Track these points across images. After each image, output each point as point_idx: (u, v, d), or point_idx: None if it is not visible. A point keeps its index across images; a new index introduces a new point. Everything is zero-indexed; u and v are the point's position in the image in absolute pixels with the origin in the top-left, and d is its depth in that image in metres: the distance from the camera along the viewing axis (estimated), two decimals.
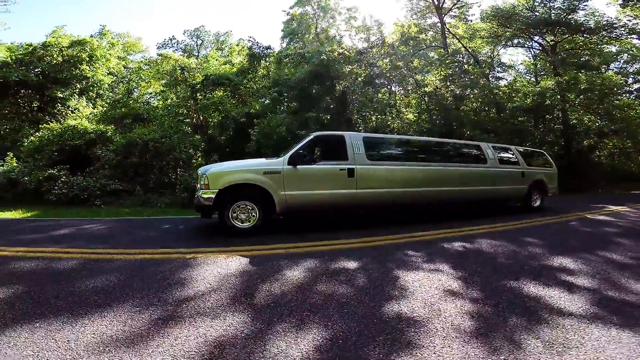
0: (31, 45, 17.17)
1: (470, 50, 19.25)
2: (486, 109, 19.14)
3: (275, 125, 10.28)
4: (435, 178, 6.33)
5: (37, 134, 13.40)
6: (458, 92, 17.92)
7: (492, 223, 6.01)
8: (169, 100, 17.41)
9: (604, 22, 14.90)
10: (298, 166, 5.18)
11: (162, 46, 25.61)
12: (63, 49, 17.39)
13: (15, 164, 13.00)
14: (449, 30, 18.63)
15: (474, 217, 6.79)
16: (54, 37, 20.19)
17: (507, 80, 20.65)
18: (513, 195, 7.70)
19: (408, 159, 6.27)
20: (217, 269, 3.40)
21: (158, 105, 16.22)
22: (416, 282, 3.03)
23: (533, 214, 7.37)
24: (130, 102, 16.36)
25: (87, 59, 17.68)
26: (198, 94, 15.40)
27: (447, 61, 15.34)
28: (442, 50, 16.95)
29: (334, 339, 2.08)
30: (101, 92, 18.81)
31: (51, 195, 10.93)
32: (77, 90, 17.78)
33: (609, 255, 4.00)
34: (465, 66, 18.64)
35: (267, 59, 13.42)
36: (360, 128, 11.11)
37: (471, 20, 17.77)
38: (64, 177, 11.45)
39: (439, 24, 17.05)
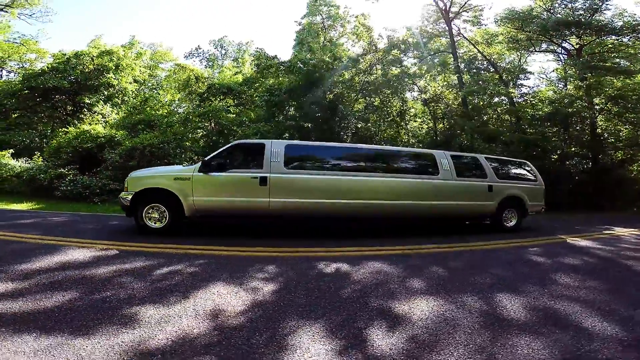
0: (65, 54, 19.05)
1: (487, 56, 18.24)
2: (504, 118, 18.01)
3: (250, 133, 10.45)
4: (365, 190, 5.82)
5: (57, 137, 14.85)
6: (475, 101, 17.12)
7: (426, 244, 5.36)
8: (183, 109, 18.30)
9: (634, 22, 13.36)
10: (210, 173, 5.39)
11: (189, 56, 27.14)
12: (94, 58, 19.09)
13: (40, 163, 14.61)
14: (463, 36, 17.81)
15: (416, 234, 6.28)
16: (93, 46, 22.29)
17: (529, 88, 19.30)
18: (475, 212, 6.75)
19: (337, 168, 5.91)
20: (68, 257, 3.99)
21: (171, 112, 17.13)
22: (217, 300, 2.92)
23: (499, 235, 6.45)
24: (147, 109, 17.40)
25: (114, 67, 19.23)
26: (206, 102, 16.06)
27: (451, 66, 14.59)
28: (450, 55, 16.20)
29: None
30: (126, 98, 20.30)
31: (57, 191, 12.08)
32: (104, 97, 19.40)
33: (505, 302, 3.03)
34: (484, 73, 17.73)
35: (270, 69, 13.68)
36: (345, 137, 10.93)
37: (485, 25, 16.81)
38: (71, 175, 12.57)
39: (449, 30, 16.33)
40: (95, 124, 16.75)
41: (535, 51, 17.93)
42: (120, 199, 5.57)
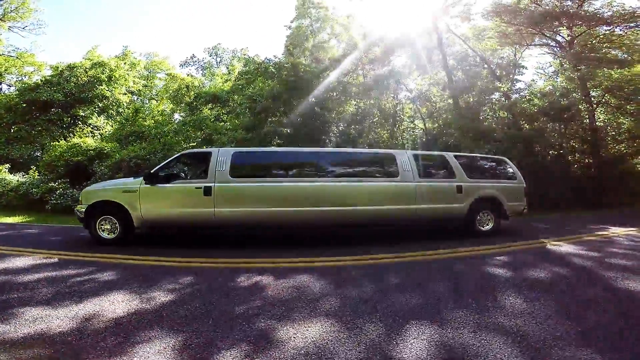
0: (58, 67, 19.34)
1: (479, 52, 17.89)
2: (501, 115, 17.62)
3: (225, 141, 10.42)
4: (317, 196, 5.55)
5: (50, 151, 15.07)
6: (468, 98, 16.78)
7: (382, 252, 4.99)
8: (179, 119, 18.38)
9: (623, 12, 12.89)
10: (157, 185, 5.49)
11: (184, 64, 27.33)
12: (87, 70, 19.33)
13: (36, 177, 14.91)
14: (453, 32, 17.50)
15: (379, 241, 5.92)
16: (88, 57, 22.63)
17: (524, 83, 18.83)
18: (443, 216, 6.24)
19: (288, 174, 5.73)
20: (5, 264, 4.37)
21: (163, 122, 17.22)
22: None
23: (472, 241, 5.91)
24: (139, 120, 17.53)
25: (106, 79, 19.44)
26: (195, 112, 16.10)
27: (439, 64, 14.29)
28: (439, 52, 15.91)
29: None
30: (120, 110, 20.52)
31: (48, 205, 12.27)
32: (99, 109, 19.63)
33: (403, 335, 2.54)
34: (473, 68, 17.40)
35: (247, 75, 13.61)
36: (328, 142, 10.79)
37: (473, 19, 16.47)
38: (61, 189, 12.73)
39: (437, 25, 16.04)
40: (88, 136, 16.97)
41: (528, 45, 17.49)
42: (76, 212, 5.86)
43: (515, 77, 18.57)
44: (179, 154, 6.14)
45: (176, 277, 3.94)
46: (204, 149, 6.50)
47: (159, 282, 3.73)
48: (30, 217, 11.56)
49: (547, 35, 15.93)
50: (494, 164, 7.18)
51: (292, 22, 19.31)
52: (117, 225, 5.54)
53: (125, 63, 21.73)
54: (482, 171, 6.88)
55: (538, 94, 15.26)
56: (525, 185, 6.91)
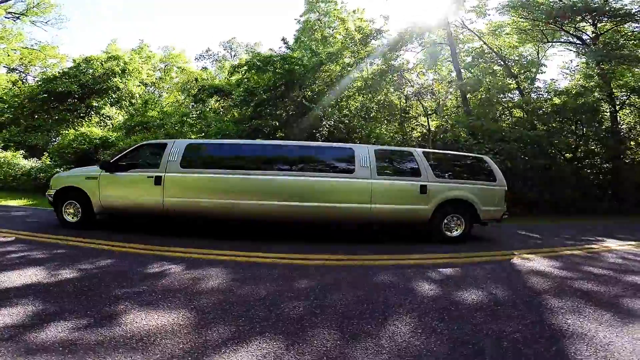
0: (76, 60, 20.14)
1: (496, 50, 17.09)
2: (516, 114, 16.74)
3: (211, 133, 10.37)
4: (267, 190, 5.41)
5: (59, 138, 15.72)
6: (481, 95, 16.07)
7: (314, 252, 4.66)
8: (182, 109, 18.64)
9: None
10: (116, 173, 5.71)
11: (199, 58, 27.73)
12: (103, 62, 20.01)
13: (47, 162, 15.64)
14: (467, 27, 16.76)
15: (333, 240, 5.66)
16: (107, 50, 23.45)
17: (544, 81, 17.80)
18: (402, 218, 5.70)
19: (241, 167, 5.65)
20: None
21: (169, 113, 17.51)
22: None
23: (435, 247, 5.33)
24: (148, 111, 17.96)
25: (120, 72, 20.05)
26: (197, 104, 16.28)
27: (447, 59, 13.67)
28: (448, 48, 15.27)
29: None
30: (133, 101, 21.09)
31: None
32: (113, 100, 20.29)
33: None
34: (486, 64, 16.63)
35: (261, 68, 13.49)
36: (319, 137, 10.53)
37: (489, 14, 15.67)
38: None
39: (450, 21, 15.39)
40: (97, 126, 17.54)
41: (548, 42, 16.50)
42: (47, 196, 6.23)
43: (535, 75, 17.69)
44: (139, 144, 6.36)
45: (97, 259, 4.14)
46: (161, 140, 6.61)
47: (77, 262, 3.96)
48: (35, 200, 12.01)
49: (567, 31, 14.92)
50: (471, 163, 6.52)
51: (301, 16, 19.15)
52: (80, 209, 5.83)
53: (140, 56, 22.32)
54: (455, 170, 6.23)
55: (552, 93, 14.30)
56: (506, 187, 6.16)
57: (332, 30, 16.55)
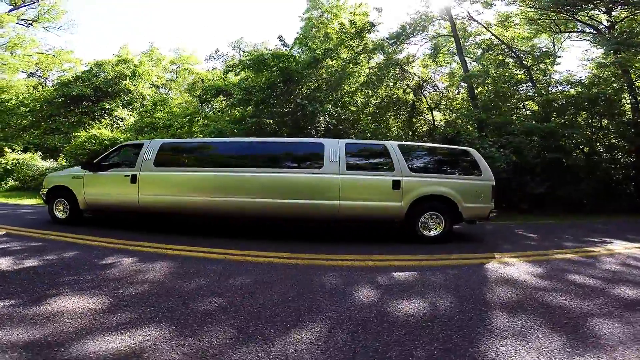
0: (87, 63, 20.85)
1: (506, 41, 16.47)
2: (531, 107, 16.09)
3: (207, 132, 10.44)
4: (237, 186, 5.41)
5: (72, 140, 16.31)
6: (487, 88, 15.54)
7: (266, 250, 4.52)
8: (190, 110, 18.96)
9: None
10: (98, 172, 6.01)
11: (209, 58, 28.01)
12: (114, 65, 20.61)
13: (64, 163, 16.33)
14: (473, 18, 16.21)
15: (307, 238, 5.51)
16: (119, 54, 24.16)
17: (559, 73, 16.98)
18: (373, 216, 5.35)
19: (207, 164, 5.75)
20: None
21: (178, 114, 17.85)
22: None
23: (408, 248, 4.93)
24: (156, 112, 18.37)
25: (130, 74, 20.59)
26: (203, 104, 16.49)
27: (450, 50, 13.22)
28: (452, 39, 14.80)
29: None
30: (145, 103, 21.64)
31: None
32: (124, 102, 20.86)
33: None
34: (492, 55, 16.06)
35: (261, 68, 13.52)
36: (314, 133, 10.42)
37: (494, 4, 15.07)
38: None
39: (455, 15, 14.92)
40: (107, 128, 18.10)
41: (561, 32, 15.72)
42: (41, 194, 6.63)
43: (552, 67, 16.91)
44: (119, 145, 6.68)
45: (64, 251, 4.39)
46: (139, 141, 6.76)
47: (45, 253, 4.25)
48: None
49: (583, 21, 14.15)
50: (453, 156, 6.00)
51: (304, 13, 19.04)
52: (68, 207, 6.20)
53: (150, 59, 22.85)
54: (435, 165, 5.78)
55: (564, 83, 13.62)
56: (493, 182, 5.59)
57: (334, 26, 16.33)
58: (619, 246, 5.79)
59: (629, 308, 2.97)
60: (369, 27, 12.37)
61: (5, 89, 21.11)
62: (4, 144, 18.85)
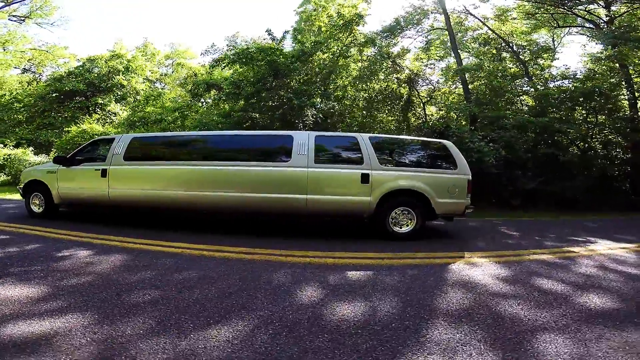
0: (81, 59, 20.72)
1: (502, 36, 16.19)
2: (528, 102, 15.83)
3: (192, 127, 10.31)
4: (200, 180, 5.37)
5: (63, 135, 16.24)
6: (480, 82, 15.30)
7: (226, 246, 4.40)
8: (181, 103, 18.82)
9: None
10: (71, 167, 6.03)
11: (205, 53, 27.75)
12: (107, 61, 20.48)
13: None
14: (469, 12, 15.92)
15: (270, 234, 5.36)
16: (113, 49, 24.03)
17: (556, 68, 16.68)
18: (340, 210, 5.16)
19: (175, 158, 5.71)
20: None
21: (169, 108, 17.72)
22: None
23: (374, 244, 4.70)
24: (147, 107, 18.26)
25: (123, 69, 20.45)
26: (194, 98, 16.35)
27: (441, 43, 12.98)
28: (446, 32, 14.53)
29: None
30: (138, 97, 21.51)
31: None
32: (118, 97, 20.76)
33: None
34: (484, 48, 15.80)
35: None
36: (302, 127, 10.24)
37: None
38: None
39: (449, 8, 14.64)
40: (105, 123, 18.03)
41: (559, 26, 15.44)
42: (18, 189, 6.70)
43: (552, 62, 16.62)
44: (92, 140, 6.70)
45: (27, 243, 4.45)
46: (111, 136, 6.83)
47: (7, 246, 4.32)
48: None
49: (582, 16, 13.84)
50: (428, 149, 5.73)
51: (299, 7, 18.80)
52: (44, 201, 6.27)
53: (144, 53, 22.69)
54: (408, 158, 5.54)
55: (558, 77, 13.37)
56: (470, 177, 5.32)
57: (324, 19, 16.11)
58: (602, 246, 5.50)
59: (589, 321, 2.65)
60: (356, 19, 12.12)
61: None
62: None
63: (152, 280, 3.19)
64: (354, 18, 12.03)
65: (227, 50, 13.93)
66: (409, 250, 4.56)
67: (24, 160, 17.28)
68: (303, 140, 5.26)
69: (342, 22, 12.33)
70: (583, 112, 13.90)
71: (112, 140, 6.05)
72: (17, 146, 19.35)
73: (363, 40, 12.64)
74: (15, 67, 22.53)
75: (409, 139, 6.27)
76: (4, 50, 20.19)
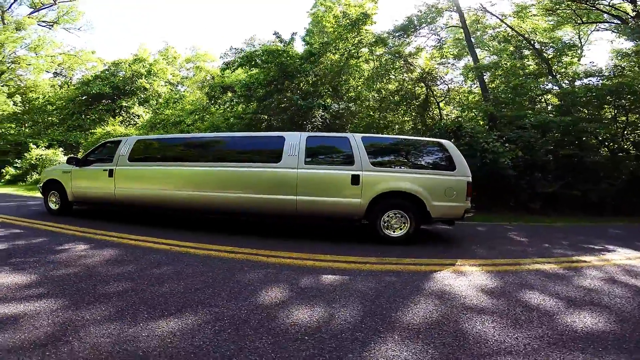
0: (106, 63, 21.74)
1: (522, 33, 15.54)
2: (553, 102, 15.09)
3: (204, 128, 10.48)
4: (189, 180, 5.56)
5: (89, 136, 17.11)
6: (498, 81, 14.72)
7: (209, 243, 4.49)
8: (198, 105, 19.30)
9: None
10: (84, 167, 6.41)
11: (224, 56, 28.39)
12: (130, 65, 21.43)
13: None
14: (486, 10, 15.38)
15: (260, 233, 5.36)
16: (137, 53, 25.09)
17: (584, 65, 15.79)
18: (330, 213, 5.00)
19: (176, 159, 5.93)
20: None
21: (188, 110, 18.26)
22: None
23: (368, 248, 4.54)
24: (168, 109, 18.90)
25: (145, 73, 21.29)
26: (212, 101, 16.75)
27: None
28: (461, 30, 14.08)
29: None
30: (161, 100, 22.32)
31: None
32: (141, 99, 21.65)
33: None
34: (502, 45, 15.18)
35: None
36: (311, 128, 10.19)
37: None
38: None
39: (464, 6, 14.18)
40: (129, 124, 18.83)
41: (582, 23, 14.62)
42: (39, 187, 7.11)
43: (579, 59, 15.77)
44: (104, 141, 7.09)
45: (36, 237, 4.69)
46: (118, 138, 7.12)
47: (17, 239, 4.55)
48: None
49: (607, 11, 13.04)
50: (425, 149, 5.41)
51: (311, 9, 18.93)
52: (59, 199, 6.67)
53: (166, 57, 23.53)
54: (403, 158, 5.31)
55: (582, 75, 12.62)
56: (470, 178, 4.99)
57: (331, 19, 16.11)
58: (619, 255, 4.96)
59: (566, 346, 2.25)
60: (363, 19, 11.98)
61: (32, 89, 22.42)
62: (31, 140, 20.05)
63: (131, 273, 3.32)
64: (361, 17, 11.90)
65: (237, 54, 14.17)
66: (397, 255, 4.32)
67: (54, 160, 18.33)
68: (294, 141, 5.21)
69: (348, 22, 12.25)
70: (612, 110, 13.07)
71: (120, 142, 6.39)
72: (48, 147, 20.59)
73: (373, 40, 12.49)
74: (47, 71, 24.01)
75: (404, 139, 6.04)
76: (37, 55, 21.55)
